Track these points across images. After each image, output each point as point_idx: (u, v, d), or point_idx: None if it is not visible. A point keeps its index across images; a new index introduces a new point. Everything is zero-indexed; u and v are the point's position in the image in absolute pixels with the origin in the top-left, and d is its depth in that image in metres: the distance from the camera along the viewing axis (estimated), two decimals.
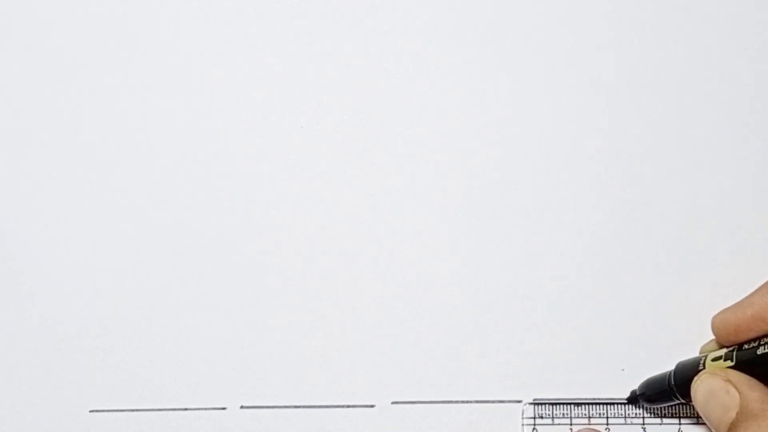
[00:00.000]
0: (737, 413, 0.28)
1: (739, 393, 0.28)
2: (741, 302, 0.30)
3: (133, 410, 0.34)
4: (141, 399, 0.34)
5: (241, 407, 0.34)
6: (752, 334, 0.29)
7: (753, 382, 0.28)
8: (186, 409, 0.34)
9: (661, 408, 0.32)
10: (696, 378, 0.30)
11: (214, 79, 0.37)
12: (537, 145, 0.36)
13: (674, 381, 0.31)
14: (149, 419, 0.33)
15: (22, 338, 0.34)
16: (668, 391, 0.31)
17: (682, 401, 0.31)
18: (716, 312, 0.31)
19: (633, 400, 0.33)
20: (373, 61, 0.37)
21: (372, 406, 0.33)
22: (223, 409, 0.34)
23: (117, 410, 0.34)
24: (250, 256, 0.35)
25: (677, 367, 0.32)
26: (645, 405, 0.33)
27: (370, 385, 0.34)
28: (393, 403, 0.33)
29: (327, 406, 0.33)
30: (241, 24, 0.37)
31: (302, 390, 0.34)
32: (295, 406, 0.34)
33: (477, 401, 0.33)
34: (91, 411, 0.34)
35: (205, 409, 0.34)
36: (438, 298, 0.34)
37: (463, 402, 0.33)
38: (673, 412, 0.32)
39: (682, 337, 0.33)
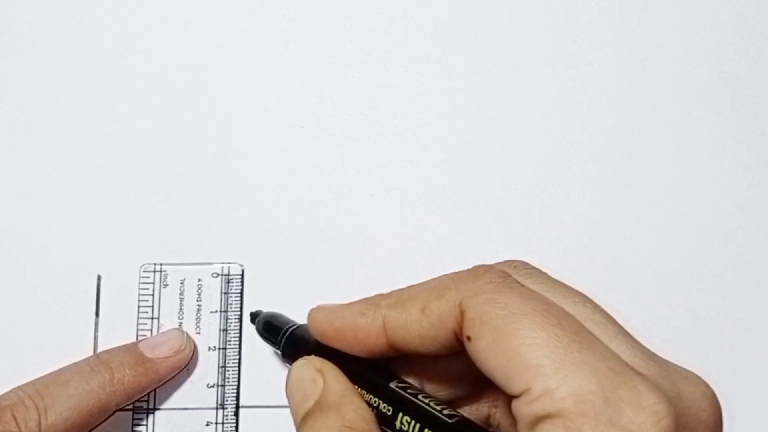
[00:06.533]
0: (314, 403, 0.26)
1: (324, 384, 0.26)
2: (337, 308, 0.28)
3: (133, 409, 0.34)
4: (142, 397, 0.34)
5: (241, 407, 0.34)
6: (337, 344, 0.27)
7: (343, 377, 0.27)
8: (186, 409, 0.34)
9: None
10: (296, 363, 0.28)
11: (215, 80, 0.37)
12: (537, 145, 0.36)
13: (283, 345, 0.31)
14: (150, 418, 0.34)
15: None
16: (273, 342, 0.31)
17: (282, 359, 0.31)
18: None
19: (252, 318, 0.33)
20: (373, 61, 0.37)
21: None
22: (223, 408, 0.34)
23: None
24: (251, 256, 0.35)
25: (292, 332, 0.30)
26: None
27: None
28: None
29: None
30: (242, 24, 0.37)
31: None
32: None
33: None
34: None
35: (206, 408, 0.34)
36: None
37: None
38: None
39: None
